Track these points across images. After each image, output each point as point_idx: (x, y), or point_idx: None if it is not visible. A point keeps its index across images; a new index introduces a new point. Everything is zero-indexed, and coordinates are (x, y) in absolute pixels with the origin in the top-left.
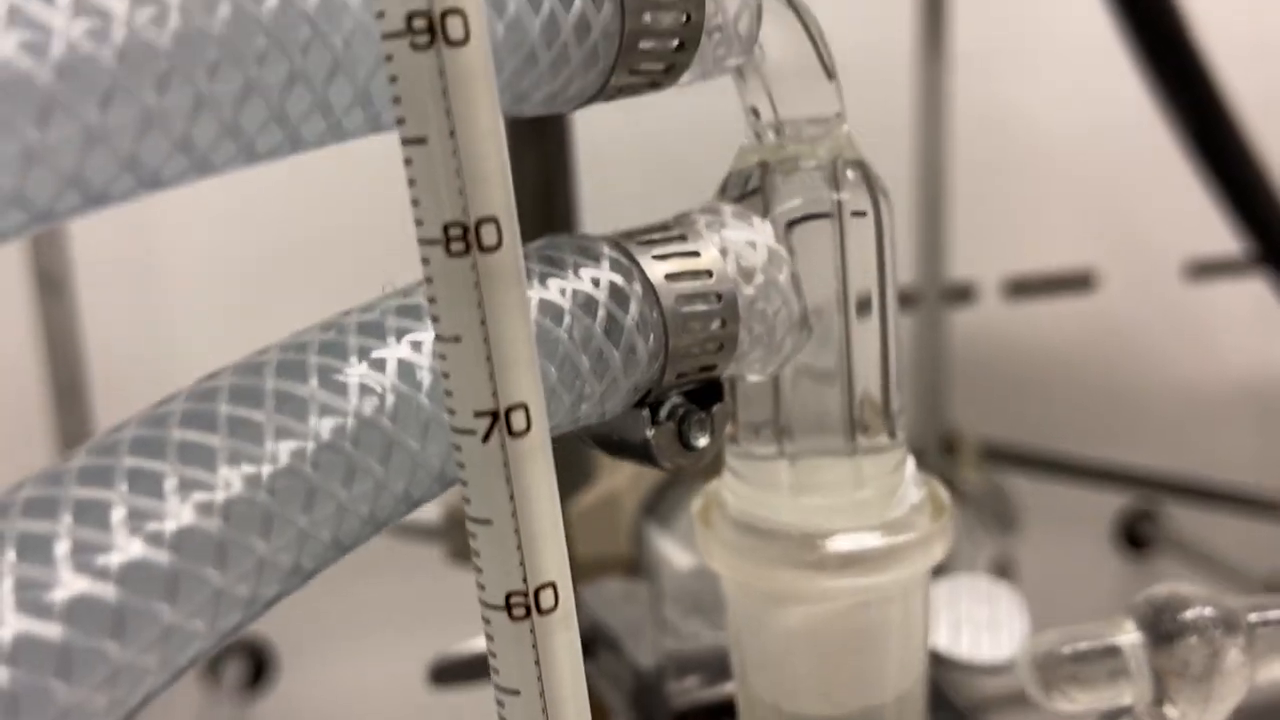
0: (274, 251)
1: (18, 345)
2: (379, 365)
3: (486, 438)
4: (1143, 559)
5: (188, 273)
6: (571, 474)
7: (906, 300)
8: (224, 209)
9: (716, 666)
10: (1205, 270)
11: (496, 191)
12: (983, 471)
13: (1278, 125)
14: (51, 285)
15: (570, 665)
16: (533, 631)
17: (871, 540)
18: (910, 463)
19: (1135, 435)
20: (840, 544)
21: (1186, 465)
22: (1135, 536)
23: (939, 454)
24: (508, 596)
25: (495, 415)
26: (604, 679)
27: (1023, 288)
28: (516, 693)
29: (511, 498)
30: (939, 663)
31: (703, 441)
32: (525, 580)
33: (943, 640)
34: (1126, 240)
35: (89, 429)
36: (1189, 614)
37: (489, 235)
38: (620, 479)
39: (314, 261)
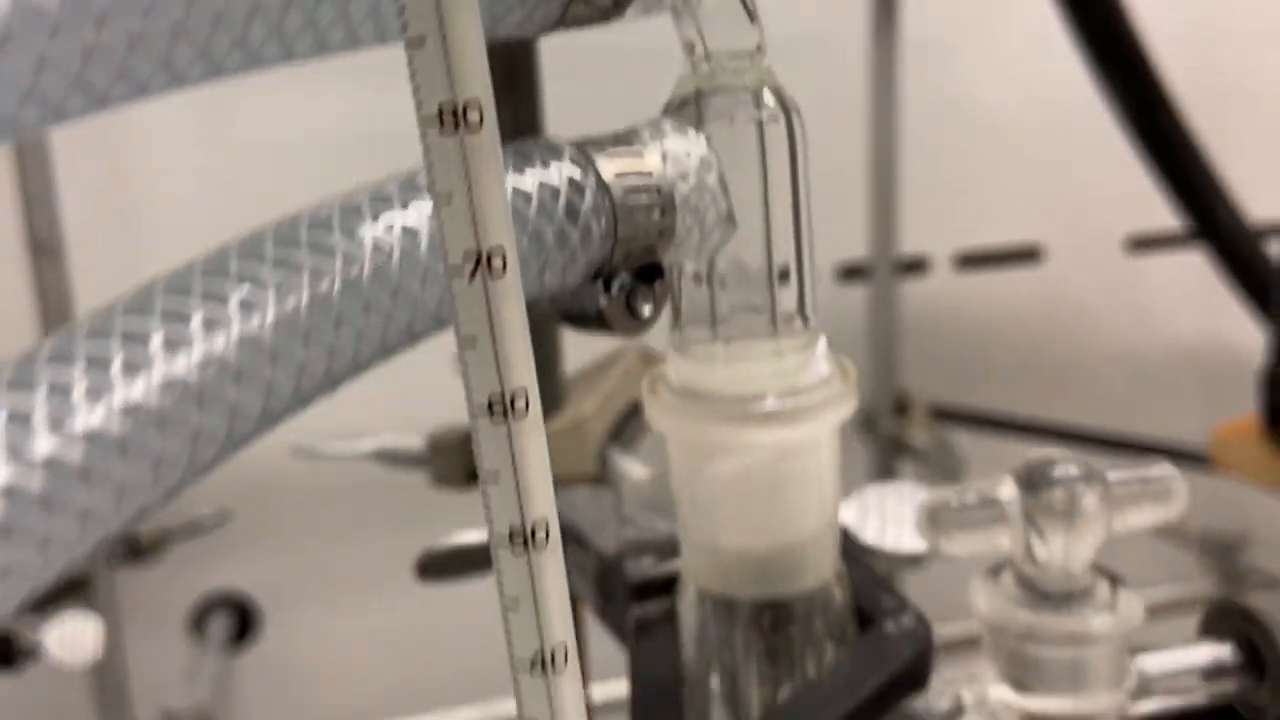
0: (257, 214)
1: (15, 308)
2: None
3: (472, 278)
4: None
5: (172, 238)
6: (542, 402)
7: (860, 273)
8: (208, 170)
9: (668, 549)
10: (1146, 244)
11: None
12: (932, 430)
13: (1210, 106)
14: (45, 251)
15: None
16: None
17: (789, 400)
18: (822, 341)
19: (1079, 399)
20: (764, 404)
21: (1129, 427)
22: None
23: (891, 414)
24: (489, 400)
25: (479, 256)
26: (572, 569)
27: (972, 261)
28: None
29: (491, 323)
30: (864, 554)
31: (647, 310)
32: (501, 386)
33: (869, 534)
34: (1072, 216)
35: None
36: (1056, 470)
37: (473, 116)
38: (587, 407)
39: None
